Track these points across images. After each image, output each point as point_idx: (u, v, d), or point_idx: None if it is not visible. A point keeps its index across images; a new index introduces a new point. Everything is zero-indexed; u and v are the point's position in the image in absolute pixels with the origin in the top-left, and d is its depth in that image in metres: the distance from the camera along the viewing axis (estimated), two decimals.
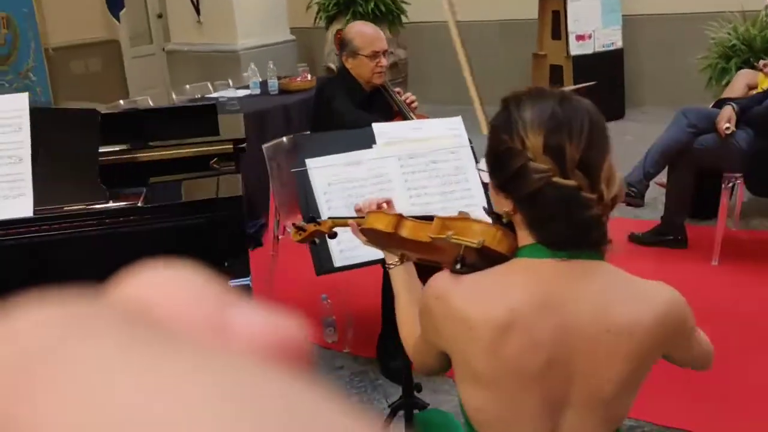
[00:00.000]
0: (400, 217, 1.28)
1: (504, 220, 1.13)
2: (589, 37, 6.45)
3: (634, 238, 3.88)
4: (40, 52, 5.73)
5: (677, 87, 6.46)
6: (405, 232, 1.26)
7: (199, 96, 5.03)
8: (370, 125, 1.89)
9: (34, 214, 1.62)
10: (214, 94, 4.93)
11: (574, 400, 1.09)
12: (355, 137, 1.90)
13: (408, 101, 2.95)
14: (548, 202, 1.04)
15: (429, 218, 1.26)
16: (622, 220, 4.22)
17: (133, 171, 1.90)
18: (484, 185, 1.99)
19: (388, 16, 6.55)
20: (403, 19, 6.79)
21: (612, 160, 1.07)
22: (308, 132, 3.04)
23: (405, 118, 2.91)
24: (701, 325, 1.19)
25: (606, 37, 6.52)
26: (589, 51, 6.43)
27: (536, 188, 1.03)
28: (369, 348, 2.95)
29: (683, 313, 1.11)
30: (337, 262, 1.70)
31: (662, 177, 3.83)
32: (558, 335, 1.06)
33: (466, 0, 7.49)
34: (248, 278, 1.64)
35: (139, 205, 1.68)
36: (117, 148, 1.91)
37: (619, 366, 1.07)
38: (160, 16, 8.19)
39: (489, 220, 1.17)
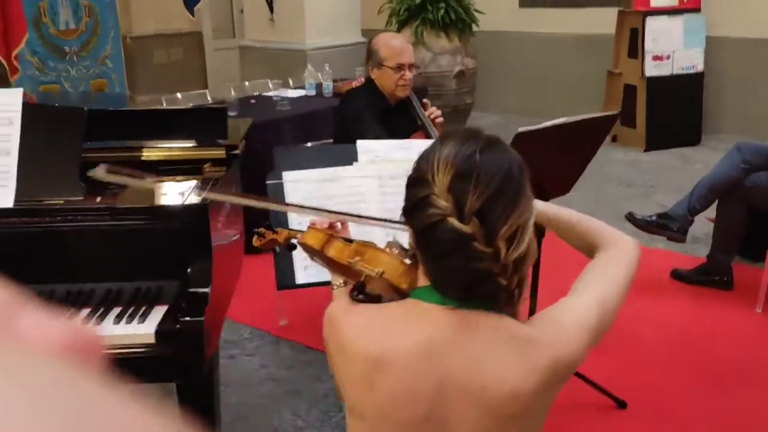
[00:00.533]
0: (331, 237, 1.26)
1: (410, 254, 1.10)
2: (668, 57, 6.18)
3: (676, 275, 3.69)
4: (118, 41, 5.99)
5: (760, 117, 6.11)
6: (331, 251, 1.24)
7: (257, 93, 5.13)
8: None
9: (14, 206, 1.68)
10: (270, 93, 5.02)
11: None
12: (337, 152, 1.89)
13: (432, 116, 2.90)
14: (440, 240, 1.00)
15: (367, 243, 1.23)
16: (668, 254, 4.02)
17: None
18: None
19: (458, 24, 6.48)
20: (474, 27, 6.70)
21: (527, 224, 1.02)
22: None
23: (426, 133, 2.87)
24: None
25: (686, 59, 6.23)
26: (666, 72, 6.16)
27: (431, 222, 1.00)
28: None
29: (570, 364, 1.05)
30: (300, 279, 1.68)
31: (712, 212, 3.63)
32: (438, 389, 1.02)
33: (547, 11, 7.36)
34: (208, 288, 1.65)
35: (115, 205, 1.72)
36: (114, 145, 1.97)
37: (495, 426, 1.01)
38: (242, 11, 8.42)
39: None
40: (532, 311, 2.55)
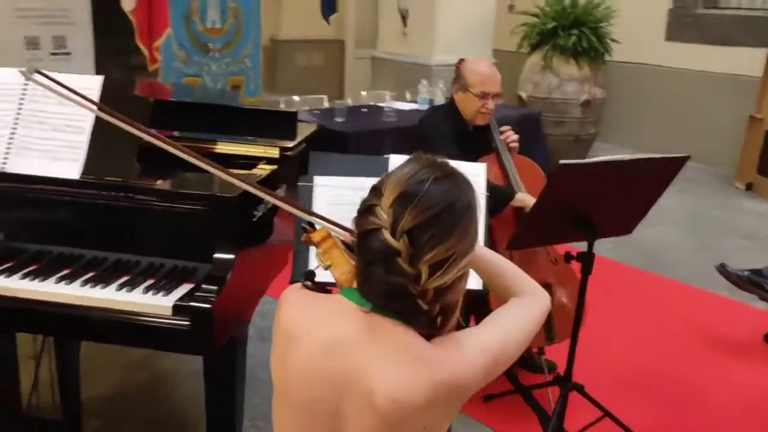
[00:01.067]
0: (328, 235, 1.30)
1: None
2: None
3: None
4: (258, 43, 6.39)
5: None
6: (319, 245, 1.28)
7: (372, 103, 5.31)
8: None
9: (80, 178, 1.91)
10: (383, 104, 5.18)
11: None
12: (370, 164, 1.96)
13: (508, 140, 2.90)
14: (371, 248, 1.06)
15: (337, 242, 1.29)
16: (762, 314, 3.73)
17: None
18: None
19: (590, 52, 6.34)
20: (607, 57, 6.53)
21: (456, 260, 1.06)
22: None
23: (499, 158, 2.87)
24: None
25: None
26: None
27: (367, 229, 1.07)
28: None
29: (463, 386, 1.08)
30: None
31: None
32: (333, 380, 1.09)
33: (694, 47, 7.01)
34: (226, 276, 1.79)
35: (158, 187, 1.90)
36: (177, 135, 2.17)
37: (376, 425, 1.05)
38: None
39: None
40: (572, 348, 2.49)
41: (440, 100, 4.99)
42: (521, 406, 2.74)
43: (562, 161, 2.05)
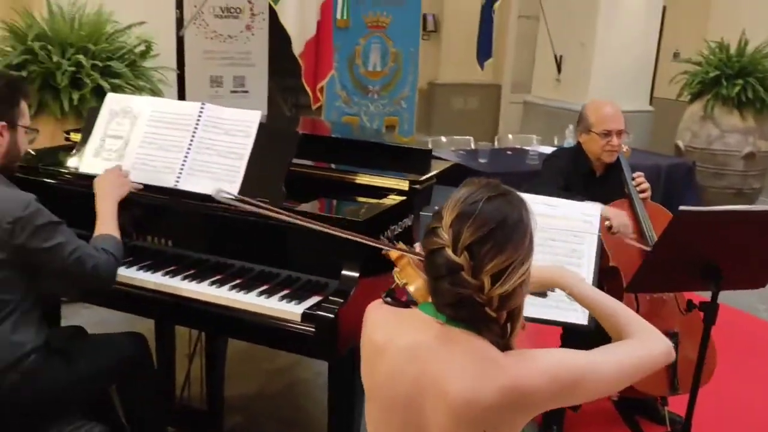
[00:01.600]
0: (404, 254, 1.46)
1: None
2: None
3: None
4: (415, 86, 6.73)
5: None
6: (397, 263, 1.45)
7: (518, 146, 5.42)
8: None
9: (236, 196, 2.21)
10: (529, 147, 5.27)
11: None
12: None
13: (639, 188, 2.89)
14: (437, 265, 1.21)
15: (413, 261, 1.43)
16: None
17: (328, 185, 2.40)
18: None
19: (756, 103, 6.05)
20: None
21: (515, 269, 1.18)
22: None
23: (631, 203, 2.87)
24: None
25: None
26: None
27: (433, 249, 1.22)
28: None
29: (526, 400, 1.17)
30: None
31: None
32: (413, 384, 1.23)
33: None
34: (351, 292, 1.99)
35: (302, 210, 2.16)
36: (322, 164, 2.45)
37: (450, 426, 1.18)
38: None
39: None
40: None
41: None
42: None
43: (682, 207, 2.07)
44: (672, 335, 2.68)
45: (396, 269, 1.40)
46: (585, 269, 1.99)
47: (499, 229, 1.18)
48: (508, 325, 1.23)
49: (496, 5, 6.48)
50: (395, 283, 1.39)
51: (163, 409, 2.53)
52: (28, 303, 1.87)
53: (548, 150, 5.18)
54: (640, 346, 1.35)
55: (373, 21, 6.38)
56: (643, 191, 2.89)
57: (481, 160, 4.64)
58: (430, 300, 1.28)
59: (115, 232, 2.08)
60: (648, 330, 1.39)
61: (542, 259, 1.97)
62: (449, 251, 1.19)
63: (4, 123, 1.92)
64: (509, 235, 1.18)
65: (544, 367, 1.20)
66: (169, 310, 2.19)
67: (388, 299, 1.35)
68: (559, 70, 6.90)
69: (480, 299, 1.18)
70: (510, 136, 5.58)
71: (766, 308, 4.56)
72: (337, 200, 2.34)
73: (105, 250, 1.98)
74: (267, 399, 3.15)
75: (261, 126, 2.29)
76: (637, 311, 2.63)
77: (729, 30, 6.34)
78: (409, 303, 1.35)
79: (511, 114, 9.07)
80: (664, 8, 8.22)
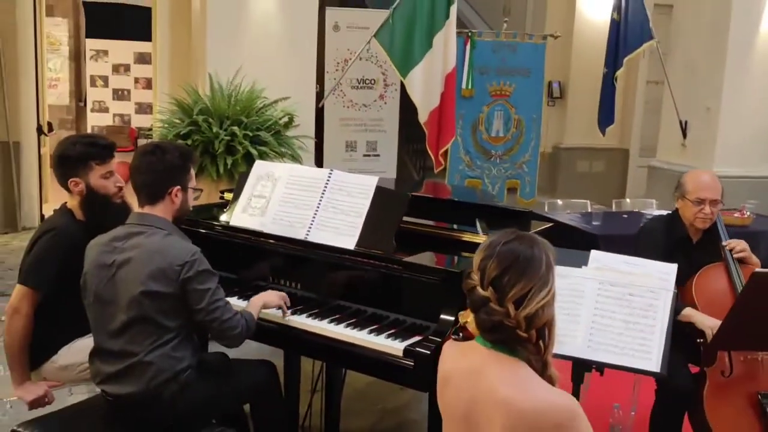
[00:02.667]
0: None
1: None
2: None
3: None
4: (537, 150, 7.00)
5: None
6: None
7: (636, 210, 5.52)
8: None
9: (354, 248, 2.61)
10: (647, 210, 5.35)
11: None
12: (573, 256, 2.35)
13: (734, 250, 2.97)
14: (474, 301, 1.54)
15: None
16: None
17: (437, 241, 2.75)
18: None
19: None
20: None
21: (534, 294, 1.47)
22: None
23: (728, 266, 2.97)
24: None
25: None
26: None
27: (468, 289, 1.54)
28: None
29: (563, 419, 1.41)
30: None
31: None
32: (472, 397, 1.53)
33: None
34: (446, 332, 2.30)
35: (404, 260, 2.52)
36: (429, 222, 2.81)
37: (500, 428, 1.45)
38: None
39: None
40: None
41: None
42: None
43: (757, 270, 2.23)
44: (766, 395, 2.75)
45: (460, 313, 1.72)
46: (659, 324, 2.19)
47: (514, 264, 1.49)
48: (541, 343, 1.50)
49: (618, 73, 6.67)
50: (460, 323, 1.70)
51: (289, 429, 2.92)
52: (187, 329, 2.32)
53: (659, 212, 5.25)
54: None
55: (497, 90, 6.76)
56: (738, 253, 2.98)
57: (595, 223, 4.81)
58: None
59: (256, 316, 2.47)
60: None
61: (619, 310, 2.22)
62: (479, 287, 1.51)
63: (179, 187, 2.42)
64: (524, 268, 1.49)
65: (566, 405, 1.45)
66: (296, 342, 2.60)
67: (456, 336, 1.67)
68: (684, 134, 6.90)
69: (509, 323, 1.48)
70: (628, 200, 5.68)
71: None
72: (444, 253, 2.67)
73: (245, 317, 2.39)
74: None
75: (378, 189, 2.70)
76: (731, 372, 2.78)
77: None
78: (470, 337, 1.66)
79: (638, 178, 9.05)
80: None
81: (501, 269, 1.50)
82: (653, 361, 2.17)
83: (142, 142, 10.15)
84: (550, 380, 1.54)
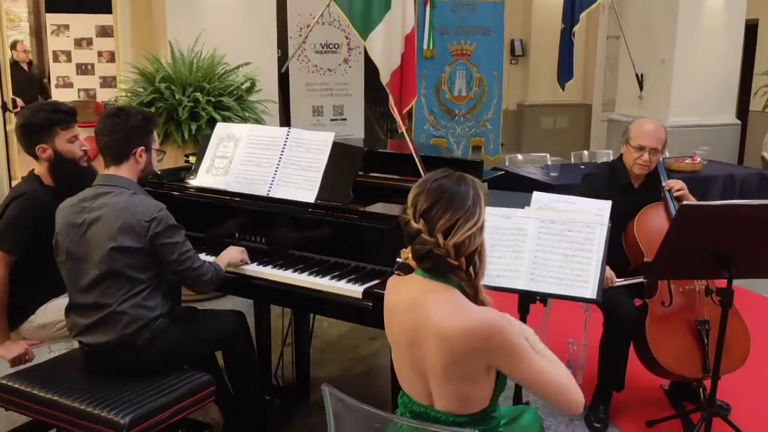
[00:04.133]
0: None
1: None
2: None
3: None
4: (499, 108, 7.15)
5: None
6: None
7: (593, 161, 5.72)
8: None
9: (314, 201, 2.76)
10: (601, 161, 5.55)
11: (428, 371, 1.68)
12: (516, 198, 2.52)
13: (672, 189, 3.15)
14: (407, 234, 1.68)
15: None
16: None
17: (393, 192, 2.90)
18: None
19: None
20: None
21: (460, 224, 1.62)
22: None
23: (667, 206, 3.16)
24: None
25: None
26: None
27: (404, 223, 1.69)
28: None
29: (490, 332, 1.57)
30: None
31: None
32: (411, 327, 1.68)
33: None
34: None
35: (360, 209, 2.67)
36: (385, 175, 2.96)
37: (438, 356, 1.62)
38: None
39: None
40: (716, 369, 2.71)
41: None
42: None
43: (684, 202, 2.41)
44: (703, 322, 2.97)
45: (401, 251, 1.86)
46: (595, 256, 2.37)
47: (442, 197, 1.64)
48: (471, 270, 1.66)
49: (576, 28, 6.81)
50: (402, 259, 1.84)
51: (261, 377, 3.09)
52: (157, 280, 2.46)
53: None
54: (566, 380, 1.67)
55: (457, 50, 6.87)
56: (677, 192, 3.15)
57: (552, 174, 5.00)
58: None
59: (224, 269, 2.63)
60: (574, 383, 1.70)
61: (558, 245, 2.40)
62: (412, 221, 1.66)
63: (143, 147, 2.54)
64: (451, 201, 1.64)
65: (494, 319, 1.61)
66: (264, 291, 2.75)
67: (399, 271, 1.81)
68: (641, 87, 7.09)
69: (439, 252, 1.63)
70: (585, 152, 5.87)
71: None
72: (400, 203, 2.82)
73: (215, 267, 2.57)
74: (348, 380, 3.66)
75: (335, 144, 2.83)
76: (671, 302, 2.99)
77: None
78: (411, 271, 1.80)
79: (600, 132, 9.27)
80: (758, 23, 8.23)
81: (430, 203, 1.64)
82: (590, 289, 2.35)
83: None
84: (482, 304, 1.69)
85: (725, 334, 2.82)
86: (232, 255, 2.71)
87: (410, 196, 1.70)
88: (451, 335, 1.61)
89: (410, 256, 1.77)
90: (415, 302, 1.69)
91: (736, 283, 2.62)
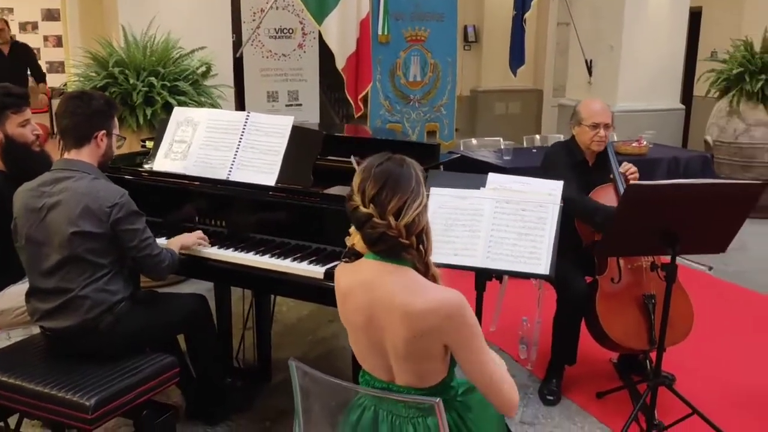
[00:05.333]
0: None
1: None
2: None
3: None
4: (454, 94, 7.23)
5: None
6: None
7: (544, 145, 5.86)
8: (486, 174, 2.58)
9: (274, 185, 2.79)
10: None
11: (388, 349, 1.74)
12: (471, 179, 2.60)
13: (627, 172, 3.29)
14: (357, 219, 1.72)
15: None
16: None
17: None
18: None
19: None
20: None
21: (408, 205, 1.67)
22: None
23: (616, 186, 3.30)
24: None
25: None
26: None
27: (352, 209, 1.72)
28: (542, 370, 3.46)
29: (452, 311, 1.64)
30: None
31: None
32: (369, 306, 1.72)
33: None
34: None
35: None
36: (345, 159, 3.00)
37: (401, 333, 1.67)
38: None
39: None
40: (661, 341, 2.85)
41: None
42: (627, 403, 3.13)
43: (632, 182, 2.52)
44: (649, 297, 3.11)
45: (347, 238, 1.88)
46: (548, 234, 2.47)
47: (389, 180, 1.68)
48: (421, 247, 1.71)
49: (527, 15, 6.93)
50: (348, 245, 1.85)
51: (222, 360, 3.12)
52: (119, 265, 2.47)
53: None
54: (509, 378, 1.76)
55: (412, 35, 6.92)
56: (631, 175, 3.29)
57: (506, 158, 5.12)
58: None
59: (177, 252, 2.64)
60: (514, 385, 1.77)
61: (512, 224, 2.49)
62: (361, 206, 1.69)
63: (104, 131, 2.53)
64: (397, 184, 1.68)
65: (455, 300, 1.67)
66: (225, 274, 2.77)
67: (345, 258, 1.85)
68: (590, 73, 7.27)
69: (392, 233, 1.67)
70: (537, 136, 6.01)
71: None
72: None
73: (170, 253, 2.58)
74: (309, 362, 3.66)
75: (294, 128, 2.86)
76: (620, 278, 3.12)
77: (760, 29, 6.61)
78: (359, 256, 1.82)
79: (551, 117, 9.46)
80: (701, 10, 8.51)
81: (378, 187, 1.68)
82: (543, 266, 2.45)
83: (56, 102, 9.87)
84: (434, 279, 1.75)
85: (670, 308, 2.97)
86: (185, 238, 2.72)
87: (355, 183, 1.72)
88: (416, 312, 1.66)
89: (356, 241, 1.80)
90: (371, 282, 1.73)
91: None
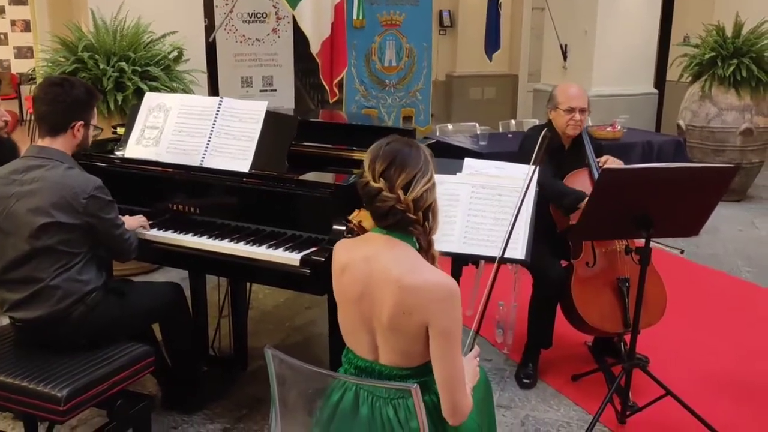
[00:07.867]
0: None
1: None
2: None
3: None
4: (429, 79, 7.22)
5: None
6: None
7: (520, 130, 5.87)
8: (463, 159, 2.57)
9: (248, 171, 2.75)
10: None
11: (375, 323, 1.75)
12: (448, 164, 2.60)
13: (601, 162, 3.30)
14: (367, 194, 1.74)
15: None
16: None
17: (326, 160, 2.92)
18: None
19: (751, 81, 6.37)
20: None
21: (417, 179, 1.70)
22: None
23: (590, 171, 3.32)
24: None
25: None
26: None
27: (363, 184, 1.75)
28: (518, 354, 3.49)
29: (444, 296, 1.66)
30: None
31: None
32: (367, 278, 1.74)
33: None
34: (329, 251, 2.51)
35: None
36: (319, 144, 2.97)
37: (389, 304, 1.69)
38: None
39: None
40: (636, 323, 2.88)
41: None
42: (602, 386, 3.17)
43: (605, 167, 2.53)
44: (624, 280, 3.14)
45: (352, 215, 1.92)
46: (524, 219, 2.47)
47: (397, 157, 1.72)
48: (426, 224, 1.74)
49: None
50: (353, 223, 1.90)
51: (198, 348, 3.09)
52: (91, 253, 2.42)
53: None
54: (465, 393, 1.76)
55: (387, 20, 6.88)
56: (605, 163, 3.31)
57: (482, 143, 5.12)
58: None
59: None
60: (469, 398, 1.78)
61: (489, 209, 2.49)
62: (372, 181, 1.72)
63: (82, 122, 2.46)
64: (405, 160, 1.72)
65: (449, 286, 1.69)
66: (199, 261, 2.74)
67: (348, 235, 1.87)
68: (564, 57, 7.30)
69: (400, 207, 1.70)
70: (513, 121, 6.03)
71: (749, 270, 4.94)
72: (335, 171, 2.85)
73: (133, 233, 2.58)
74: (286, 349, 3.65)
75: (268, 113, 2.83)
76: (594, 262, 3.14)
77: (732, 14, 6.67)
78: (365, 231, 1.87)
79: (527, 102, 9.49)
80: None
81: (387, 163, 1.72)
82: (519, 251, 2.46)
83: (25, 88, 9.69)
84: (433, 258, 1.78)
85: (644, 291, 3.00)
86: (129, 220, 2.71)
87: (366, 161, 1.76)
88: (409, 286, 1.68)
89: (362, 219, 1.84)
90: (373, 255, 1.76)
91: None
